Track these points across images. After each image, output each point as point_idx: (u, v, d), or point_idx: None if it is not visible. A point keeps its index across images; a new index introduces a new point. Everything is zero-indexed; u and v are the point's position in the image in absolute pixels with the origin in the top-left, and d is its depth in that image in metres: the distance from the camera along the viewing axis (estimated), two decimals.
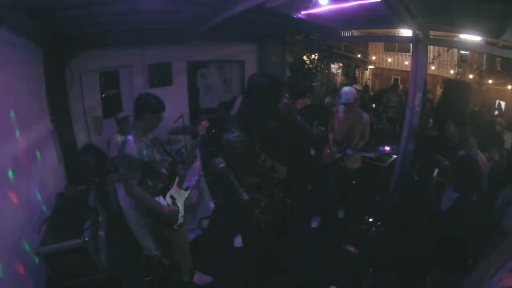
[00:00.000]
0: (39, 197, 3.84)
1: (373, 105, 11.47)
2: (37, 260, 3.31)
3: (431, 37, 5.45)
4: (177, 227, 3.32)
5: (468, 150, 3.85)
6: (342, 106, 4.87)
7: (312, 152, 4.81)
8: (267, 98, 2.56)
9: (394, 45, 20.09)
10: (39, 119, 4.49)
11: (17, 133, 3.45)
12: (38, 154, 4.06)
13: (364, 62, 21.52)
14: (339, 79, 18.03)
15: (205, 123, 3.50)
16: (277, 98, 2.56)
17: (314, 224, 5.22)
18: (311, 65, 11.42)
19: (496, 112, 12.21)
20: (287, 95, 3.47)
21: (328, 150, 4.93)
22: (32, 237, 3.35)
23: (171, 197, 3.29)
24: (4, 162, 3.07)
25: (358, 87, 12.80)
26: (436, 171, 3.79)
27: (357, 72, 20.48)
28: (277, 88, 2.58)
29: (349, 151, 4.76)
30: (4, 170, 3.06)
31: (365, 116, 4.82)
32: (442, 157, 3.94)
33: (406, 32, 6.58)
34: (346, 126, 4.84)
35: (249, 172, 2.79)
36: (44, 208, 3.90)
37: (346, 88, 4.78)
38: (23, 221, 3.31)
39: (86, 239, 3.40)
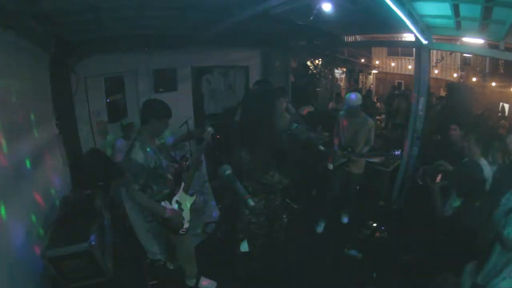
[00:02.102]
0: (44, 200, 3.87)
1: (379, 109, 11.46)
2: (42, 263, 3.34)
3: (434, 40, 5.45)
4: (183, 232, 3.34)
5: (471, 155, 3.84)
6: (347, 111, 4.88)
7: (330, 166, 4.81)
8: (263, 108, 2.59)
9: (398, 49, 20.07)
10: (44, 122, 4.52)
11: (23, 136, 3.49)
12: (43, 157, 4.10)
13: (368, 67, 21.53)
14: (342, 84, 18.03)
15: (210, 130, 3.53)
16: (273, 106, 2.60)
17: (318, 229, 5.21)
18: (315, 71, 11.44)
19: (500, 115, 12.16)
20: (287, 101, 3.49)
21: (333, 155, 4.94)
22: (38, 240, 3.38)
23: (177, 202, 3.31)
24: (10, 165, 3.11)
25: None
26: (439, 176, 3.78)
27: (360, 77, 20.48)
28: (272, 97, 2.63)
29: (353, 156, 4.78)
30: (10, 173, 3.09)
31: (370, 121, 4.83)
32: (446, 162, 3.94)
33: (409, 36, 6.59)
34: (351, 131, 4.85)
35: (255, 181, 2.83)
36: (50, 212, 3.93)
37: (351, 94, 4.80)
38: (28, 224, 3.34)
39: (92, 243, 3.43)
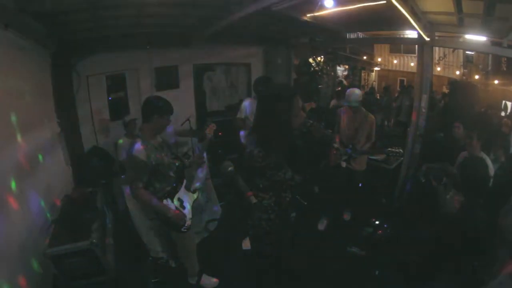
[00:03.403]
0: (46, 199, 3.87)
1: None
2: (43, 262, 3.33)
3: (436, 38, 5.42)
4: (185, 230, 3.33)
5: (472, 152, 3.82)
6: (347, 108, 4.85)
7: (344, 164, 4.80)
8: (281, 108, 2.60)
9: (400, 46, 20.03)
10: (46, 121, 4.51)
11: (25, 135, 3.48)
12: (45, 156, 4.09)
13: (370, 64, 21.48)
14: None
15: (212, 126, 3.52)
16: (292, 105, 2.61)
17: (320, 227, 5.20)
18: (316, 68, 11.39)
19: (502, 113, 12.09)
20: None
21: (334, 152, 4.92)
22: (39, 239, 3.38)
23: (179, 199, 3.30)
24: (11, 164, 3.10)
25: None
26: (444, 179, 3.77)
27: (363, 74, 20.43)
28: (291, 96, 2.64)
29: (354, 154, 4.76)
30: (11, 172, 3.08)
31: (371, 116, 4.80)
32: (451, 166, 3.92)
33: (411, 33, 6.56)
34: (352, 128, 4.83)
35: (266, 179, 2.82)
36: (51, 210, 3.93)
37: (350, 90, 4.76)
38: (30, 222, 3.34)
39: (94, 241, 3.43)
